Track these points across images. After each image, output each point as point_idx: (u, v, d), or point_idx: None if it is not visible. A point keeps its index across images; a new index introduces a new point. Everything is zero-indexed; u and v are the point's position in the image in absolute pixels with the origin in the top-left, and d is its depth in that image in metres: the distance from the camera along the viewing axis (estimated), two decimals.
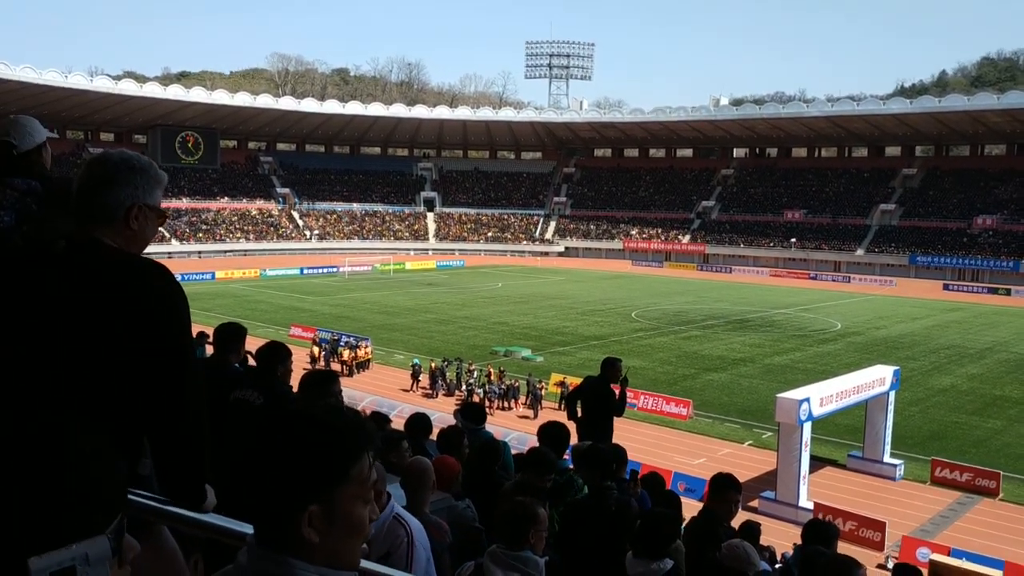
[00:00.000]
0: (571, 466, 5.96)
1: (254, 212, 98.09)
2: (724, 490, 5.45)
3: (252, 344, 5.27)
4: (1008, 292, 73.11)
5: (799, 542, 5.54)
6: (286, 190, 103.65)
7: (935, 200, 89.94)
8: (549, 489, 4.72)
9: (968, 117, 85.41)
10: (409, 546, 3.16)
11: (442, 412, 23.08)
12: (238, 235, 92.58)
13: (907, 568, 4.98)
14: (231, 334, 5.07)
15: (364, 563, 2.08)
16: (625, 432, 22.10)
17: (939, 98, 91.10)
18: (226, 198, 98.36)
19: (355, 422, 1.54)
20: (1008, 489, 22.22)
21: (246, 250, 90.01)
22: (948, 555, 17.61)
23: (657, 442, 25.65)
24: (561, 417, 9.64)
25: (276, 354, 4.78)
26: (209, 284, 65.81)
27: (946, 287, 76.27)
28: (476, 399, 28.47)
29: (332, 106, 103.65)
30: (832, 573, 3.89)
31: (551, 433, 5.86)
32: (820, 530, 5.47)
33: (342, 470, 1.47)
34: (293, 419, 1.50)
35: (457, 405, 29.46)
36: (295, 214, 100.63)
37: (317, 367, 32.42)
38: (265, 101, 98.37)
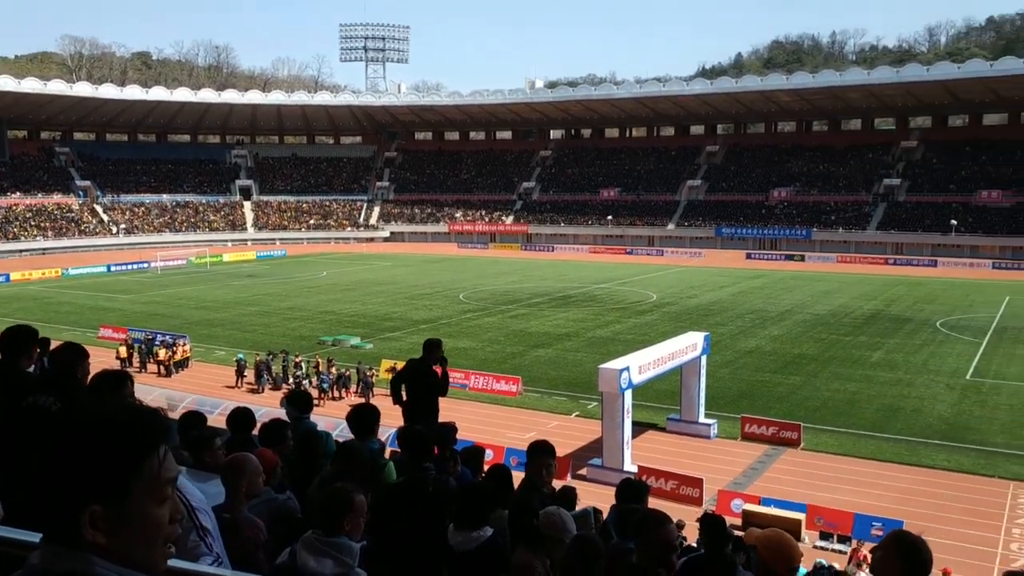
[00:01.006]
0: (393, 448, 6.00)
1: (51, 207, 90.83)
2: (537, 456, 5.71)
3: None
4: (803, 258, 79.54)
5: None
6: (87, 182, 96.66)
7: (736, 175, 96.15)
8: (364, 475, 4.75)
9: (762, 97, 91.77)
10: (192, 512, 3.05)
11: (269, 407, 22.44)
12: (34, 232, 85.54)
13: (710, 516, 5.38)
14: (20, 336, 4.71)
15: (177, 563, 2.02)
16: (457, 412, 22.36)
17: (736, 79, 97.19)
18: (18, 193, 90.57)
19: (140, 419, 1.46)
20: (808, 439, 24.26)
21: (45, 248, 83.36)
22: (759, 504, 19.06)
23: (489, 419, 26.08)
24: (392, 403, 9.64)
25: (71, 354, 4.50)
26: (3, 287, 60.52)
27: (748, 256, 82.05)
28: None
29: (134, 91, 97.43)
30: (644, 528, 4.14)
31: (355, 417, 5.88)
32: (631, 488, 5.81)
33: (126, 469, 1.40)
34: (71, 418, 1.43)
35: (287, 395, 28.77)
36: (98, 208, 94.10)
37: (128, 369, 30.70)
38: (57, 87, 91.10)
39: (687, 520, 13.73)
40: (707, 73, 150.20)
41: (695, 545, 6.75)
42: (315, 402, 9.75)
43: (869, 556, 13.90)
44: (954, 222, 76.74)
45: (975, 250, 75.80)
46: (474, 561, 4.16)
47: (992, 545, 17.39)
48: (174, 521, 1.51)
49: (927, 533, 14.16)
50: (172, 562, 2.23)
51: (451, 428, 7.43)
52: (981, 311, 47.39)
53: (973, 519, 18.63)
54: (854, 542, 16.83)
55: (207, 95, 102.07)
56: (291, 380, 30.48)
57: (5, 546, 1.96)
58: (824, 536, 18.04)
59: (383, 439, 7.95)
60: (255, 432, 6.39)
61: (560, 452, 22.32)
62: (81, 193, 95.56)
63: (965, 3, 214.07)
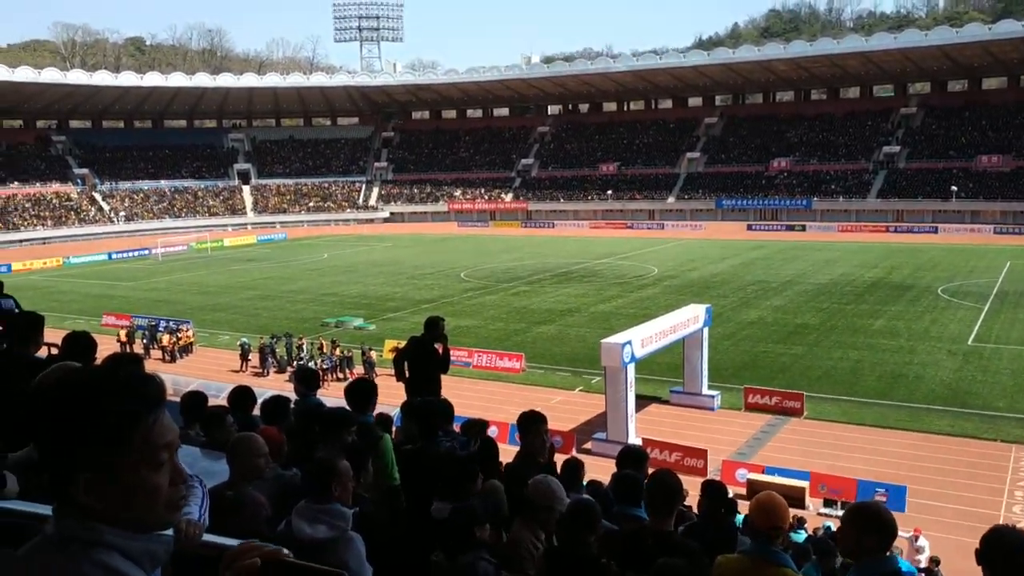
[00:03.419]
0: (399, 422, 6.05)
1: (50, 196, 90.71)
2: (530, 424, 5.75)
3: (57, 337, 4.98)
4: (803, 228, 79.43)
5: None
6: (84, 170, 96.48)
7: (735, 146, 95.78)
8: (354, 443, 4.81)
9: (759, 67, 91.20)
10: (204, 496, 3.16)
11: (274, 390, 22.55)
12: (34, 222, 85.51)
13: (712, 483, 5.47)
14: (26, 323, 4.76)
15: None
16: (462, 389, 22.52)
17: (733, 50, 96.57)
18: (16, 183, 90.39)
19: (126, 384, 1.45)
20: (811, 407, 24.37)
21: (45, 238, 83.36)
22: (763, 473, 19.20)
23: (493, 397, 26.21)
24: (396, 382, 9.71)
25: (78, 343, 4.55)
26: (4, 277, 60.13)
27: (749, 227, 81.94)
28: None
29: (128, 78, 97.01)
30: (659, 488, 4.22)
31: (353, 390, 5.95)
32: (630, 454, 5.88)
33: (113, 435, 1.40)
34: (58, 387, 1.43)
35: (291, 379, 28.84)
36: (97, 196, 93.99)
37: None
38: (51, 75, 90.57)
39: (691, 490, 13.84)
40: (704, 44, 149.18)
41: (696, 512, 6.83)
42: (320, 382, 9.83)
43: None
44: (954, 188, 76.53)
45: (976, 215, 75.66)
46: (443, 531, 4.20)
47: (995, 508, 17.51)
48: (175, 484, 1.50)
49: (930, 497, 14.25)
50: None
51: (448, 404, 7.50)
52: (982, 276, 47.38)
53: (976, 483, 18.75)
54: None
55: (202, 79, 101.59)
56: (295, 363, 30.60)
57: (22, 518, 2.02)
58: (828, 503, 18.18)
59: (392, 416, 8.03)
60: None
61: (565, 427, 22.50)
62: (79, 181, 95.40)
63: None
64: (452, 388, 10.38)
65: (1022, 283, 44.65)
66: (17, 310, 3.53)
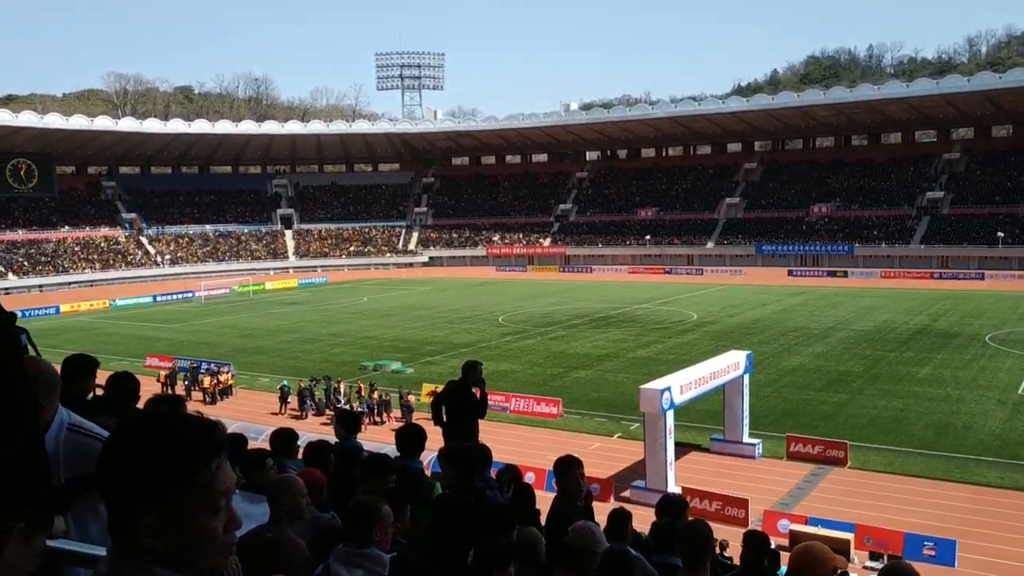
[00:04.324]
0: (436, 467, 6.04)
1: (99, 240, 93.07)
2: (567, 467, 5.74)
3: (102, 378, 5.07)
4: (846, 274, 78.46)
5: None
6: (132, 215, 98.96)
7: (775, 192, 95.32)
8: (394, 488, 4.81)
9: (799, 112, 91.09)
10: None
11: (312, 433, 22.64)
12: (82, 265, 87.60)
13: (754, 533, 5.36)
14: (79, 364, 4.86)
15: None
16: (498, 434, 22.36)
17: (772, 96, 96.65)
18: (67, 227, 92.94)
19: (192, 430, 1.51)
20: (855, 457, 23.83)
21: (93, 280, 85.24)
22: (805, 524, 18.75)
23: (530, 442, 26.03)
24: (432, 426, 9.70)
25: (124, 384, 4.63)
26: (53, 319, 61.94)
27: (790, 273, 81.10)
28: None
29: (177, 125, 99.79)
30: (689, 536, 4.16)
31: (404, 435, 5.97)
32: (669, 503, 5.81)
33: (178, 479, 1.45)
34: (125, 431, 1.50)
35: (329, 421, 28.97)
36: (143, 239, 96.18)
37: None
38: (103, 123, 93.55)
39: (732, 540, 13.57)
40: (743, 91, 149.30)
41: (737, 563, 6.69)
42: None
43: None
44: (1001, 234, 75.18)
45: None
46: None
47: None
48: (229, 531, 1.55)
49: (980, 552, 13.81)
50: None
51: (487, 449, 7.48)
52: None
53: None
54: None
55: (248, 127, 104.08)
56: (333, 406, 30.74)
57: (76, 560, 2.06)
58: (874, 556, 17.67)
59: (425, 462, 8.02)
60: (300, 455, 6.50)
61: (603, 474, 22.24)
62: (127, 225, 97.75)
63: (1006, 12, 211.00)
64: (489, 433, 10.36)
65: None
66: (28, 343, 3.59)
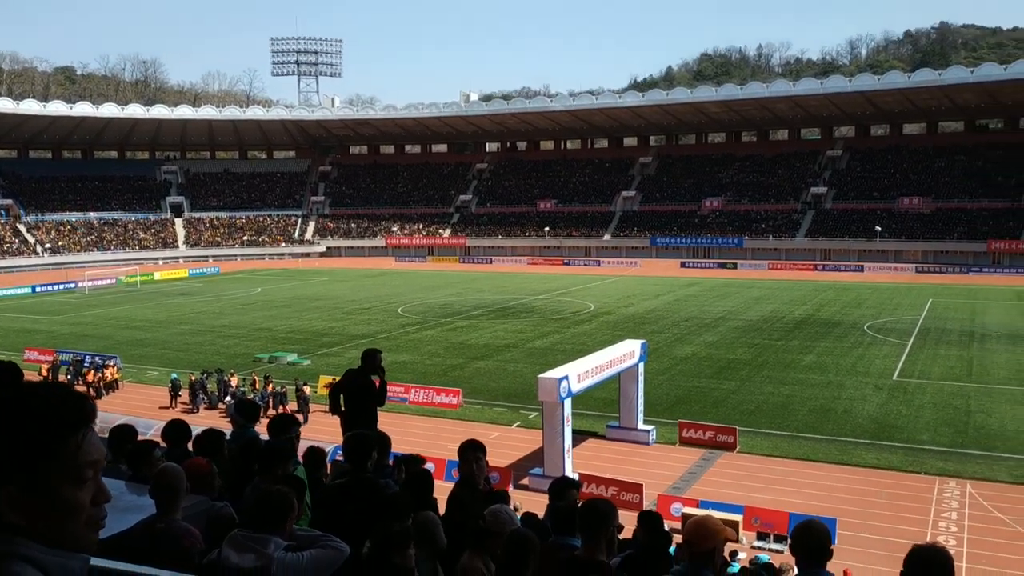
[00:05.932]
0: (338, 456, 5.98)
1: None
2: (463, 451, 5.85)
3: None
4: (735, 266, 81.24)
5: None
6: (8, 201, 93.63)
7: (669, 185, 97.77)
8: (291, 476, 4.77)
9: (692, 108, 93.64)
10: None
11: (205, 427, 21.99)
12: None
13: (648, 513, 5.52)
14: None
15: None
16: (399, 425, 22.26)
17: (667, 91, 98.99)
18: None
19: (52, 401, 1.46)
20: (743, 442, 24.72)
21: None
22: (697, 507, 19.33)
23: (430, 433, 25.98)
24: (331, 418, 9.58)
25: (2, 373, 4.40)
26: None
27: (683, 265, 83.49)
28: None
29: (57, 107, 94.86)
30: (586, 514, 4.25)
31: (273, 424, 5.97)
32: (559, 485, 5.95)
33: (38, 450, 1.41)
34: None
35: (222, 415, 28.18)
36: (21, 227, 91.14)
37: None
38: None
39: (627, 525, 13.88)
40: (639, 86, 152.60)
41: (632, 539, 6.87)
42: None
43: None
44: (878, 228, 79.24)
45: (899, 255, 78.44)
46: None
47: (920, 539, 17.95)
48: (98, 503, 1.50)
49: (859, 529, 14.56)
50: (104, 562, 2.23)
51: (386, 438, 7.45)
52: (906, 314, 49.00)
53: (902, 514, 19.23)
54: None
55: (135, 110, 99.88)
56: (226, 399, 29.92)
57: None
58: (761, 536, 18.39)
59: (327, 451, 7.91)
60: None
61: (502, 462, 22.39)
62: (3, 212, 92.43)
63: (884, 18, 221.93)
64: (389, 424, 10.28)
65: (942, 320, 46.30)
66: None
